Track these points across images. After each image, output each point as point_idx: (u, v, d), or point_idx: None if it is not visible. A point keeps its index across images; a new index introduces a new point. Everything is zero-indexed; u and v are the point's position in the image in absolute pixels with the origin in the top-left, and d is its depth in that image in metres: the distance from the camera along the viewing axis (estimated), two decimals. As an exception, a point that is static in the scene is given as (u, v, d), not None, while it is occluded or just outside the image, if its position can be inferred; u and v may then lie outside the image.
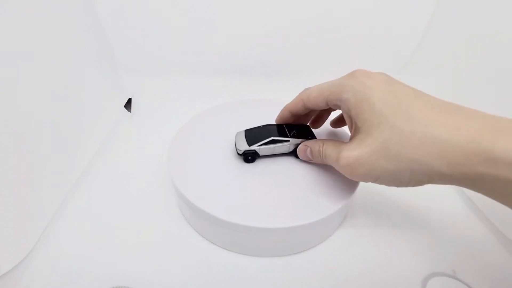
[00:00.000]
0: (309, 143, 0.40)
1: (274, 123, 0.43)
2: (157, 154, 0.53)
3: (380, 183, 0.30)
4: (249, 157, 0.41)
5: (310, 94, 0.36)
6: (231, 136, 0.45)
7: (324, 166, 0.42)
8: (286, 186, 0.40)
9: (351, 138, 0.32)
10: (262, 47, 0.61)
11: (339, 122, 0.44)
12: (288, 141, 0.41)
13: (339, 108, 0.33)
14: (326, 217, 0.37)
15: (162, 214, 0.45)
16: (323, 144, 0.36)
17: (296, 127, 0.43)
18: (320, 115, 0.44)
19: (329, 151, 0.35)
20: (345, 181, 0.41)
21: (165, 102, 0.66)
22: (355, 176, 0.31)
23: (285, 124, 0.43)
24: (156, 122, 0.62)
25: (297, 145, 0.41)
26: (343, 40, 0.62)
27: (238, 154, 0.42)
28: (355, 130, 0.31)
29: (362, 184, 0.40)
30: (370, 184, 0.42)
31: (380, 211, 0.46)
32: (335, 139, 0.41)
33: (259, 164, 0.43)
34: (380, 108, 0.28)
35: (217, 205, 0.37)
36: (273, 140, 0.40)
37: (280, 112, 0.41)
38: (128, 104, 0.65)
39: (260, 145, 0.40)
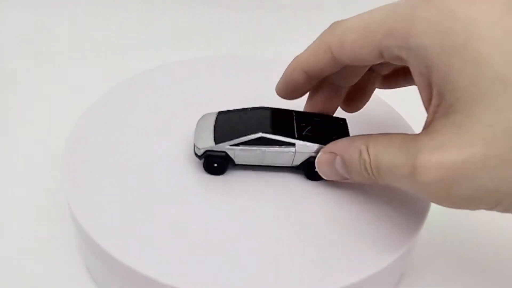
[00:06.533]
0: (338, 146, 0.28)
1: (272, 106, 0.32)
2: (43, 162, 0.41)
3: (505, 210, 0.22)
4: (213, 163, 0.31)
5: (344, 37, 0.26)
6: (190, 126, 0.34)
7: (357, 191, 0.31)
8: (289, 230, 0.29)
9: (431, 121, 0.24)
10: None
11: (392, 78, 0.32)
12: (293, 145, 0.30)
13: (403, 63, 0.25)
14: (368, 278, 0.27)
15: (54, 269, 0.34)
16: (368, 145, 0.26)
17: (318, 120, 0.31)
18: (360, 85, 0.31)
19: (388, 156, 0.25)
20: (396, 216, 0.30)
21: (57, 65, 0.53)
22: (456, 201, 0.23)
23: (295, 111, 0.31)
24: (42, 102, 0.49)
25: (313, 154, 0.30)
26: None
27: (196, 155, 0.31)
28: (439, 106, 0.23)
29: (429, 221, 0.30)
30: (441, 219, 0.36)
31: (458, 265, 0.36)
32: (383, 132, 0.29)
33: (233, 179, 0.32)
34: (498, 67, 0.21)
35: (153, 260, 0.27)
36: (262, 138, 0.29)
37: (286, 71, 0.30)
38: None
39: (236, 144, 0.30)
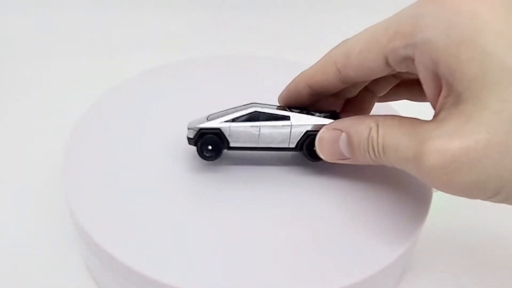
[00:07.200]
0: (346, 123, 0.28)
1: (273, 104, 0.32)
2: (43, 162, 0.41)
3: (504, 200, 0.22)
4: (208, 145, 0.29)
5: (351, 49, 0.26)
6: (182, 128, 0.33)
7: (358, 189, 0.31)
8: (289, 228, 0.28)
9: (439, 111, 0.24)
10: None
11: (400, 90, 0.31)
12: (288, 118, 0.29)
13: (408, 66, 0.25)
14: (370, 277, 0.27)
15: (54, 269, 0.33)
16: (379, 123, 0.26)
17: (310, 110, 0.30)
18: (357, 105, 0.32)
19: (396, 138, 0.25)
20: (398, 213, 0.29)
21: (60, 63, 0.53)
22: (458, 187, 0.23)
23: (287, 106, 0.31)
24: (41, 102, 0.48)
25: (312, 130, 0.29)
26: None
27: (189, 141, 0.30)
28: (448, 97, 0.23)
29: (430, 219, 0.30)
30: (442, 216, 0.37)
31: (460, 263, 0.36)
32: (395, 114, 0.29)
33: (232, 177, 0.31)
34: (506, 58, 0.21)
35: (153, 260, 0.27)
36: (256, 114, 0.29)
37: (290, 83, 0.30)
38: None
39: (231, 120, 0.29)
